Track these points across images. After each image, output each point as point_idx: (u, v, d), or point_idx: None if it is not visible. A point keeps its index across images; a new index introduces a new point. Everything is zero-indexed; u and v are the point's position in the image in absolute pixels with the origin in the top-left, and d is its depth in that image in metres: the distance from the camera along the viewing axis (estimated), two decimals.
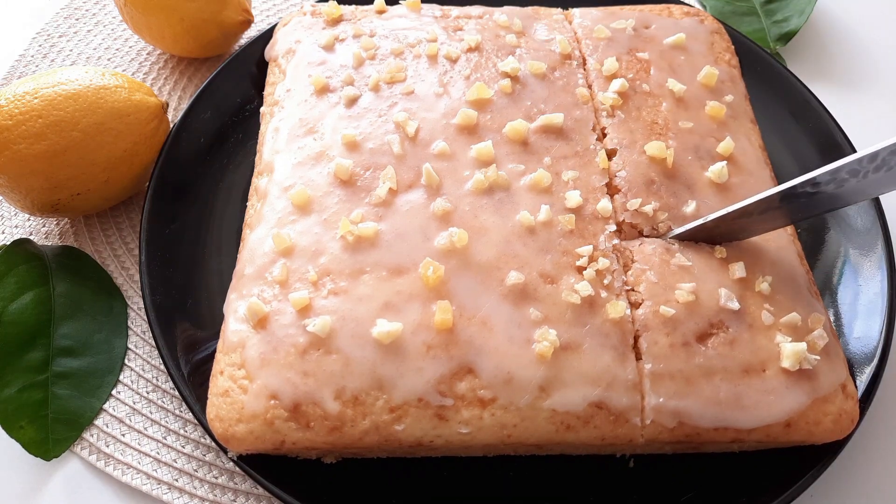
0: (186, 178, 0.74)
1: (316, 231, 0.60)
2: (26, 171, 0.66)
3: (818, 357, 0.56)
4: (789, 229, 0.65)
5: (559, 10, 0.79)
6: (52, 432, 0.64)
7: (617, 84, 0.69)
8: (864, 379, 0.62)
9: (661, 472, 0.61)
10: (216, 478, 0.63)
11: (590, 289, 0.57)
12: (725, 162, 0.65)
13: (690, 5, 0.82)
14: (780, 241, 0.63)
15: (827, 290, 0.69)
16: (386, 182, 0.62)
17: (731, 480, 0.60)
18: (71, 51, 0.91)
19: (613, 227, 0.61)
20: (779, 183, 0.69)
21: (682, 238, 0.62)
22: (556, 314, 0.56)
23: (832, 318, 0.67)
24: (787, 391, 0.55)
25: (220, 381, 0.56)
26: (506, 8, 0.78)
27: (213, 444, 0.63)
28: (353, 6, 0.78)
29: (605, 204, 0.62)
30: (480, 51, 0.72)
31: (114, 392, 0.67)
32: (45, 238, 0.77)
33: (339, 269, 0.58)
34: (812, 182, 0.54)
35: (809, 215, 0.57)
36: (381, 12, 0.77)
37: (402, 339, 0.55)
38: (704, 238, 0.62)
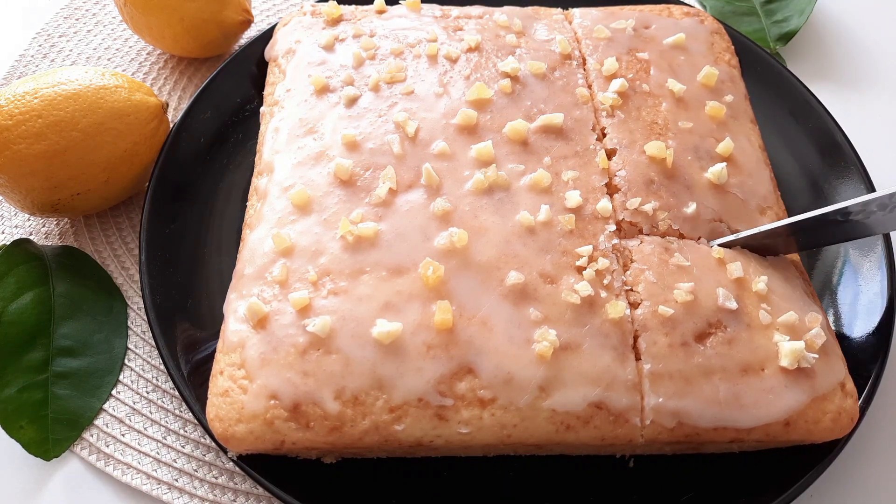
0: (186, 178, 0.74)
1: (316, 231, 0.60)
2: (26, 171, 0.66)
3: (816, 355, 0.56)
4: None
5: (559, 10, 0.79)
6: (52, 432, 0.64)
7: (617, 84, 0.69)
8: (863, 378, 0.62)
9: (661, 472, 0.61)
10: (216, 478, 0.63)
11: (589, 289, 0.57)
12: (725, 164, 0.65)
13: (690, 5, 0.82)
14: None
15: (827, 290, 0.69)
16: (386, 182, 0.62)
17: (731, 480, 0.60)
18: (71, 51, 0.91)
19: (613, 227, 0.61)
20: (778, 184, 0.70)
21: (728, 245, 0.62)
22: (555, 314, 0.56)
23: (832, 318, 0.67)
24: (785, 390, 0.55)
25: (220, 381, 0.56)
26: (506, 8, 0.78)
27: (213, 444, 0.63)
28: (353, 6, 0.78)
29: (604, 204, 0.62)
30: (480, 51, 0.72)
31: (114, 392, 0.67)
32: (45, 238, 0.77)
33: (339, 269, 0.58)
34: (878, 202, 0.53)
35: (863, 236, 0.57)
36: (381, 12, 0.77)
37: (402, 339, 0.55)
38: (758, 246, 0.62)
